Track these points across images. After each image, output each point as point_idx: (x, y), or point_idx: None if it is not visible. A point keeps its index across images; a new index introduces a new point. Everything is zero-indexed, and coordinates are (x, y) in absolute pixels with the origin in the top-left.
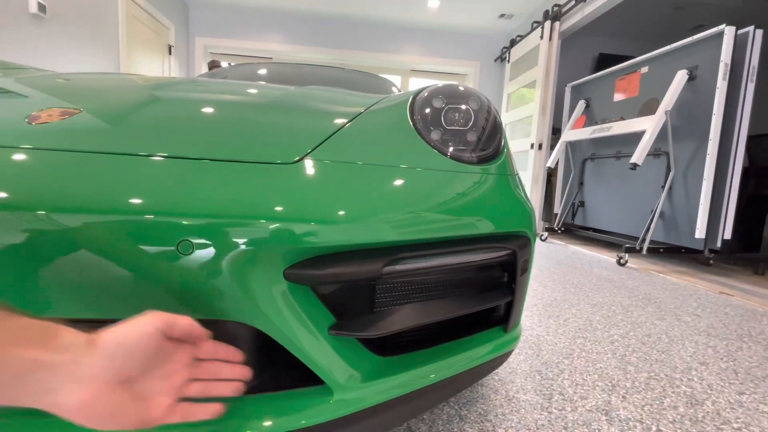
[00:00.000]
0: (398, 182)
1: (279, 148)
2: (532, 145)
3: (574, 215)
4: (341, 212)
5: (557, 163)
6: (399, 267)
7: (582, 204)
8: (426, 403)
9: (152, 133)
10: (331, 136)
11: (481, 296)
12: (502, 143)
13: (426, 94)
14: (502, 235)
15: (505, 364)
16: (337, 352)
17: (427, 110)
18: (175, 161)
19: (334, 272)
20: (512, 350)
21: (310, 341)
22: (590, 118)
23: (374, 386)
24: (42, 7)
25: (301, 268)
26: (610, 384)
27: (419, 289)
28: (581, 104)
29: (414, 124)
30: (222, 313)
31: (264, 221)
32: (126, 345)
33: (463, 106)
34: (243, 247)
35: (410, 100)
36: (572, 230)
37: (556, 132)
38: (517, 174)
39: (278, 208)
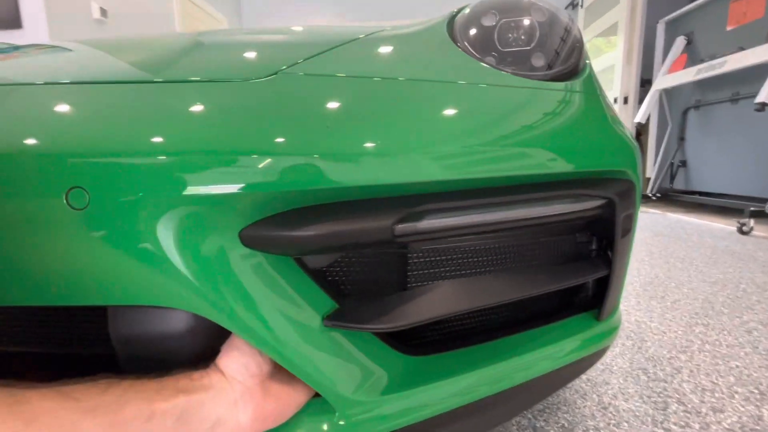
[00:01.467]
0: (429, 99)
1: (246, 67)
2: (615, 100)
3: (672, 178)
4: (335, 140)
5: (648, 118)
6: (430, 223)
7: (683, 164)
8: (482, 424)
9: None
10: (327, 51)
11: (560, 270)
12: (583, 56)
13: (470, 11)
14: (591, 178)
15: None
16: (337, 350)
17: (473, 31)
18: (80, 86)
19: (324, 233)
20: (608, 346)
21: (292, 337)
22: (693, 57)
23: (401, 400)
24: (104, 12)
25: (269, 228)
26: (756, 391)
27: (463, 260)
28: (680, 41)
29: (454, 44)
30: (151, 297)
31: (196, 154)
32: (243, 355)
33: (525, 20)
34: (168, 195)
35: (448, 20)
36: (670, 196)
37: (644, 84)
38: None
39: (215, 134)
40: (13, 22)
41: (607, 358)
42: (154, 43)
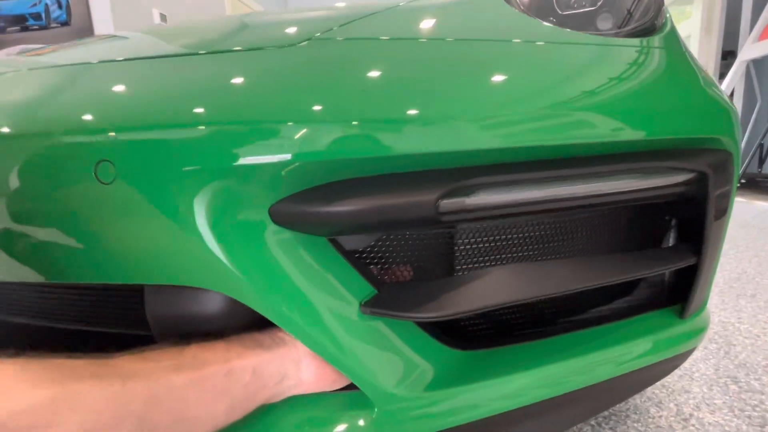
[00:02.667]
0: (479, 59)
1: (281, 35)
2: None
3: (762, 162)
4: (372, 104)
5: (732, 93)
6: (480, 199)
7: None
8: (538, 430)
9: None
10: (366, 17)
11: (637, 258)
12: (663, 12)
13: None
14: (678, 149)
15: None
16: (376, 340)
17: None
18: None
19: (356, 209)
20: (692, 349)
21: (326, 324)
22: None
23: (448, 398)
24: (163, 17)
25: (299, 204)
26: None
27: (520, 244)
28: None
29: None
30: (183, 277)
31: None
32: None
33: None
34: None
35: None
36: (759, 182)
37: (725, 57)
38: None
39: (252, 102)
40: (88, 30)
41: (686, 362)
42: (190, 25)
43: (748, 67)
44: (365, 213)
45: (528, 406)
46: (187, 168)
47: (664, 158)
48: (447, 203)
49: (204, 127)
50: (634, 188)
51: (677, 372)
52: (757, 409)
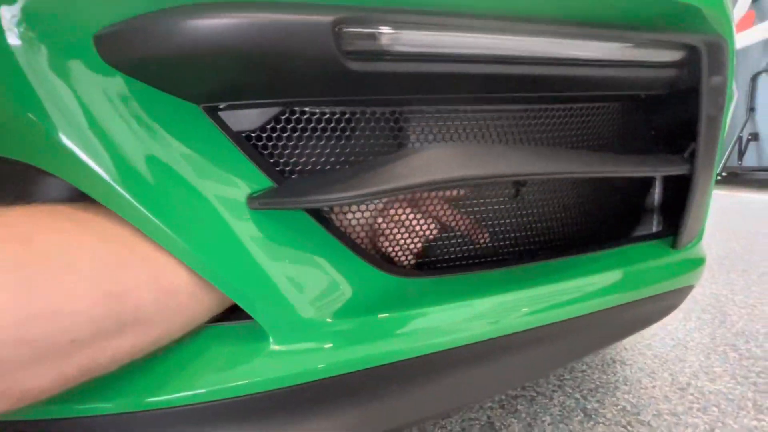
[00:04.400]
0: None
1: None
2: None
3: (741, 154)
4: None
5: None
6: (409, 36)
7: (755, 137)
8: (495, 377)
9: None
10: None
11: (616, 157)
12: None
13: None
14: (660, 26)
15: (664, 332)
16: (275, 254)
17: None
18: None
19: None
20: (688, 287)
21: (201, 227)
22: (762, 13)
23: (372, 332)
24: None
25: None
26: None
27: (469, 124)
28: None
29: None
30: None
31: None
32: None
33: None
34: None
35: None
36: (740, 175)
37: None
38: None
39: None
40: None
41: (677, 330)
42: None
43: None
44: (237, 34)
45: (479, 342)
46: None
47: (646, 30)
48: (352, 32)
49: None
50: (599, 57)
51: (669, 341)
52: (762, 375)
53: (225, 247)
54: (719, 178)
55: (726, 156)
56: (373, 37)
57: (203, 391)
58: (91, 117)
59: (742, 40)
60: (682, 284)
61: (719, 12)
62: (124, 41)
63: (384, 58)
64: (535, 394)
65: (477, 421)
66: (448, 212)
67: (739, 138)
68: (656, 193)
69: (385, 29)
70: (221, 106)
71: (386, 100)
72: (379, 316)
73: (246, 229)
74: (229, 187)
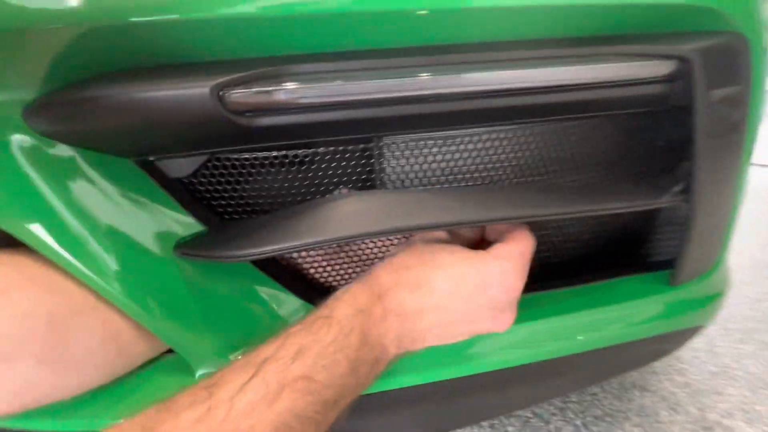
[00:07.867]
0: None
1: None
2: None
3: None
4: None
5: None
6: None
7: None
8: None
9: None
10: None
11: (572, 191)
12: None
13: None
14: (649, 34)
15: (708, 355)
16: (199, 293)
17: None
18: None
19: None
20: (692, 328)
21: (131, 273)
22: None
23: None
24: None
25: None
26: None
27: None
28: None
29: None
30: None
31: None
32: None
33: None
34: None
35: None
36: None
37: None
38: None
39: None
40: None
41: (727, 357)
42: None
43: None
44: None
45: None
46: None
47: (620, 42)
48: (237, 93)
49: None
50: (568, 80)
51: (711, 367)
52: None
53: (153, 292)
54: None
55: None
56: (257, 95)
57: None
58: (25, 179)
59: None
60: (682, 326)
61: (739, 7)
62: (45, 116)
63: (271, 113)
64: (531, 416)
65: None
66: (381, 247)
67: None
68: (652, 219)
69: (267, 87)
70: (151, 159)
71: (296, 145)
72: None
73: (169, 273)
74: (159, 234)
